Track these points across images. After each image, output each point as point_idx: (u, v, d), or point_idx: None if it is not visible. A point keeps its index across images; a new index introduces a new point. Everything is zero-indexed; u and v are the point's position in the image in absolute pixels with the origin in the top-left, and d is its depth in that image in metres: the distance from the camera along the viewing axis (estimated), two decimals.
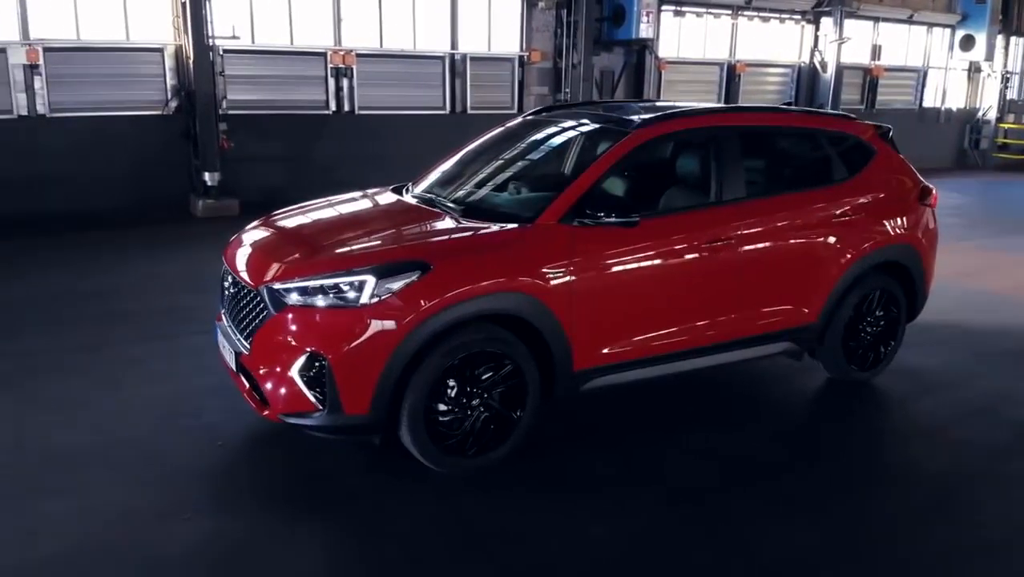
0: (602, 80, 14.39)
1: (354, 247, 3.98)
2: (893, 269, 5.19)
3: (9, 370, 5.18)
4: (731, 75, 15.94)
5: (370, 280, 3.62)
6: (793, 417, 5.01)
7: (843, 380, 5.28)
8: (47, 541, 3.40)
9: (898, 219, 5.14)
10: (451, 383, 3.82)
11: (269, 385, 3.78)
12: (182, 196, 11.07)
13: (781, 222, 4.66)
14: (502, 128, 5.39)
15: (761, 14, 15.92)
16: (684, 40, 15.34)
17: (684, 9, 15.05)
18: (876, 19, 17.31)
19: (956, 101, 19.47)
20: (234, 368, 4.09)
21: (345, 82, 12.12)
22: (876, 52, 17.55)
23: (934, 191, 5.39)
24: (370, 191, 5.08)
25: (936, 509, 3.91)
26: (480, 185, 4.82)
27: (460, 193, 4.70)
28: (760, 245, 4.58)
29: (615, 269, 4.15)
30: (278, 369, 3.74)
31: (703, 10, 15.23)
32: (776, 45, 16.55)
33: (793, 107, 5.65)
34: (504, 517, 3.70)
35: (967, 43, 18.11)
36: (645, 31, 13.50)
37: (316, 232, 4.44)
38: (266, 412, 3.85)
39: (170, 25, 10.78)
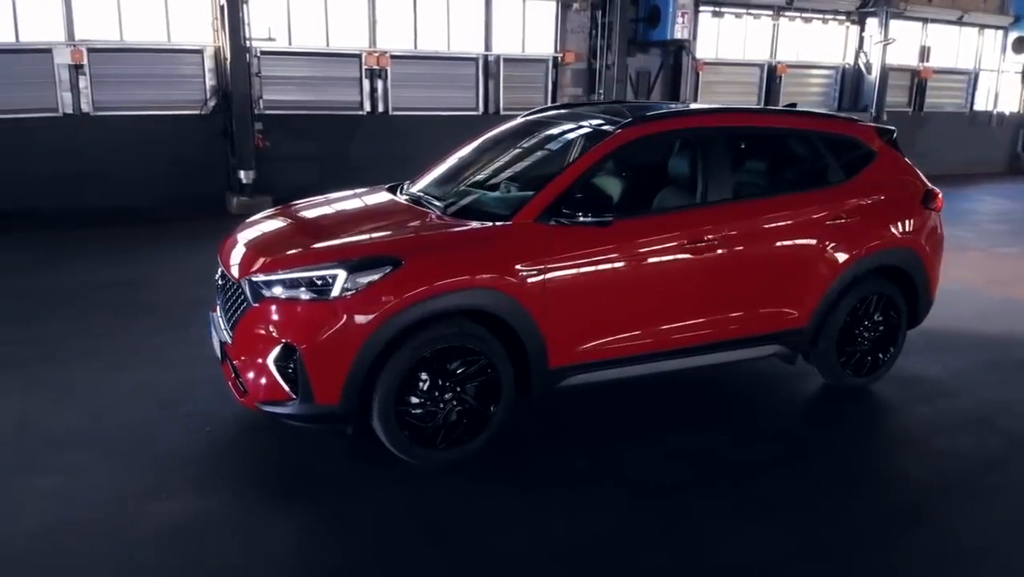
0: (638, 81, 14.34)
1: (330, 243, 4.09)
2: (893, 273, 5.09)
3: (24, 354, 5.44)
4: (771, 76, 15.74)
5: (341, 274, 3.73)
6: (783, 420, 4.96)
7: (838, 386, 5.20)
8: (32, 516, 3.59)
9: (898, 223, 5.04)
10: (423, 376, 3.90)
11: (249, 374, 3.92)
12: (219, 193, 11.38)
13: (767, 224, 4.63)
14: (501, 128, 5.46)
15: (803, 15, 15.68)
16: (723, 41, 15.19)
17: (723, 10, 14.89)
18: (924, 20, 16.89)
19: (1009, 104, 18.81)
20: (220, 357, 4.25)
21: (379, 83, 12.34)
22: (924, 53, 17.13)
23: (939, 195, 5.27)
24: (364, 190, 5.19)
25: (911, 514, 3.86)
26: (470, 185, 4.87)
27: (449, 192, 4.76)
28: (744, 247, 4.54)
29: (589, 269, 4.17)
30: (257, 359, 3.87)
31: (742, 11, 15.06)
32: (819, 46, 16.26)
33: (796, 108, 5.56)
34: (474, 510, 3.76)
35: (1020, 45, 17.57)
36: (680, 32, 13.44)
37: (301, 229, 4.57)
38: (245, 400, 3.99)
39: (209, 27, 11.11)
